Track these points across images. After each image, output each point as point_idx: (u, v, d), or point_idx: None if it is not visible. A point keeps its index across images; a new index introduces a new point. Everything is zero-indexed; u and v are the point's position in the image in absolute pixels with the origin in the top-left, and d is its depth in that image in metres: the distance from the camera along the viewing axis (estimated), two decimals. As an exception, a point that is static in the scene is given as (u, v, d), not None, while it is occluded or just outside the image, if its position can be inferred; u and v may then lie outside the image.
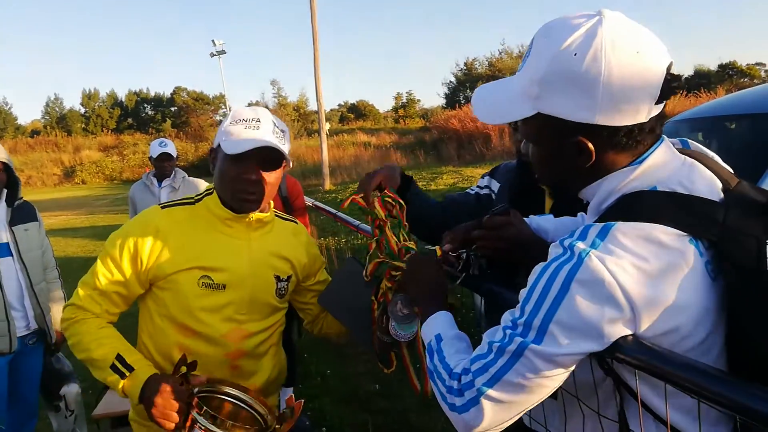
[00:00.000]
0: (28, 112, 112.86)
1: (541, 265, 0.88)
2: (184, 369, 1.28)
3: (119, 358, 1.35)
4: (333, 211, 4.35)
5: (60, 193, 26.72)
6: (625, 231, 0.82)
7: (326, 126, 17.70)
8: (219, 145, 1.44)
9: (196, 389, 1.27)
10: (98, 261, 1.46)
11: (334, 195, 14.14)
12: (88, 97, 47.33)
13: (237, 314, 1.47)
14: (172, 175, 4.08)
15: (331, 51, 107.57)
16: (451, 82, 37.66)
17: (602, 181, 0.91)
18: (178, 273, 1.42)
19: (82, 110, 47.35)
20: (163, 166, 4.02)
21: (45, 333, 2.74)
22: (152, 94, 49.16)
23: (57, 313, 2.81)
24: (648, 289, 0.79)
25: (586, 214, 1.15)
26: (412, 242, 1.36)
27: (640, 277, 0.79)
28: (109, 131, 42.33)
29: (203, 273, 1.43)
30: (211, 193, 1.51)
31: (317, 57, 16.34)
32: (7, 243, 2.60)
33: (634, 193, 0.87)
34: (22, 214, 2.71)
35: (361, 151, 23.94)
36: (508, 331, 0.88)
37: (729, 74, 31.80)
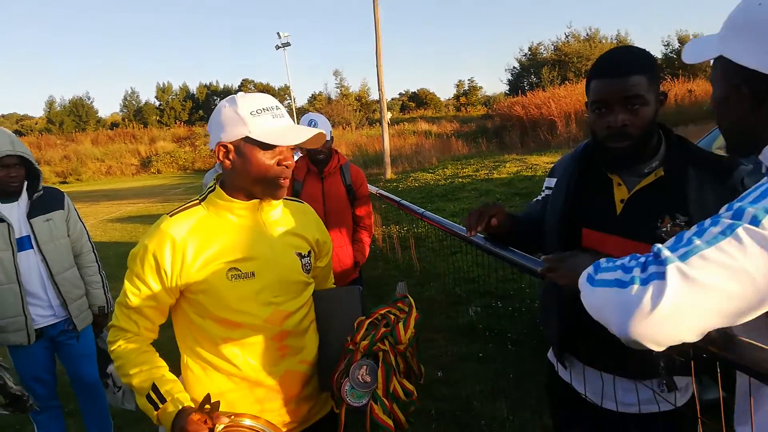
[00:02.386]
0: (107, 106, 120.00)
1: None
2: (208, 407, 1.31)
3: (154, 388, 1.40)
4: (397, 199, 4.38)
5: (137, 182, 28.26)
6: None
7: (387, 115, 17.73)
8: (244, 138, 1.41)
9: (220, 426, 1.30)
10: (125, 281, 1.48)
11: (395, 184, 14.18)
12: (162, 91, 49.59)
13: (273, 297, 1.49)
14: None
15: (393, 40, 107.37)
16: (514, 68, 36.58)
17: None
18: (206, 274, 1.44)
19: (157, 103, 49.71)
20: None
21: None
22: (221, 86, 50.90)
23: (95, 296, 2.96)
24: None
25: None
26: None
27: None
28: (182, 123, 44.23)
29: (230, 266, 1.45)
30: (213, 190, 1.51)
31: (379, 46, 16.37)
32: (28, 236, 2.68)
33: None
34: (44, 204, 2.75)
35: (422, 140, 23.84)
36: (709, 221, 0.80)
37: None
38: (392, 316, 1.35)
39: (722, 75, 0.97)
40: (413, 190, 12.67)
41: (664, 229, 1.32)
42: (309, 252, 1.61)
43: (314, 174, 3.32)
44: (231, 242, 1.47)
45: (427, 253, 6.49)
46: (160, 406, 1.38)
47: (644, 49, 1.40)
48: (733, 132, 1.01)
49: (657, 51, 30.96)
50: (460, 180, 12.54)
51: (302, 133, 1.43)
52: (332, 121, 34.15)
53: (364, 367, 1.28)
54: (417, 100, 48.65)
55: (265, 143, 1.39)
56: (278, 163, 1.43)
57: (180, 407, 1.36)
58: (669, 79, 21.23)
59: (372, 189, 4.86)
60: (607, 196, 1.45)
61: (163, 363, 1.50)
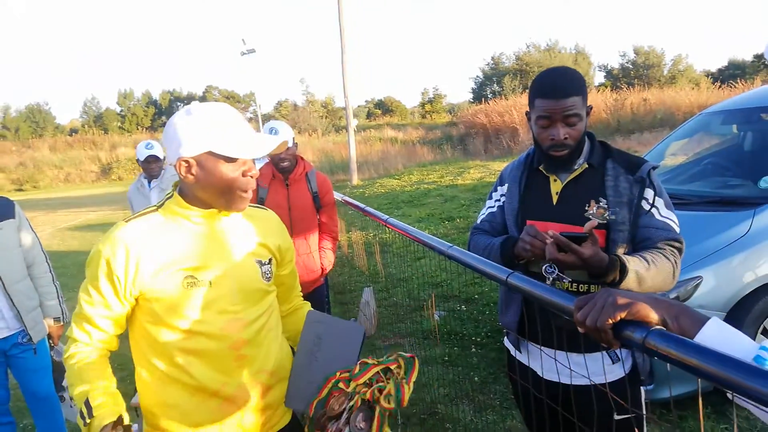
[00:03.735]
0: (67, 113, 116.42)
1: None
2: (120, 427, 1.30)
3: (86, 402, 1.36)
4: (361, 206, 4.40)
5: (98, 189, 27.50)
6: None
7: (354, 122, 17.76)
8: (207, 152, 1.37)
9: None
10: (80, 292, 1.45)
11: (361, 190, 14.20)
12: (124, 97, 48.47)
13: (230, 305, 1.46)
14: (160, 176, 4.12)
15: (359, 48, 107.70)
16: (477, 77, 37.31)
17: None
18: (161, 282, 1.40)
19: (118, 109, 48.54)
20: (150, 168, 4.06)
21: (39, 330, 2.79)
22: (185, 93, 50.09)
23: (49, 307, 2.87)
24: None
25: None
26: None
27: None
28: (144, 129, 43.32)
29: (186, 274, 1.41)
30: (171, 197, 1.48)
31: (344, 54, 16.41)
32: None
33: None
34: None
35: (388, 147, 23.94)
36: None
37: (765, 64, 30.64)
38: (395, 372, 1.42)
39: None
40: (379, 196, 12.71)
41: (591, 211, 1.60)
42: (270, 260, 1.58)
43: (279, 181, 3.31)
44: (187, 249, 1.43)
45: (393, 258, 6.53)
46: (87, 421, 1.34)
47: (577, 71, 1.66)
48: None
49: (615, 62, 31.81)
50: (426, 186, 12.66)
51: (266, 144, 1.42)
52: (298, 127, 33.76)
53: (362, 413, 1.35)
54: (383, 108, 48.87)
55: (229, 156, 1.37)
56: (243, 174, 1.41)
57: (103, 424, 1.31)
58: (626, 88, 21.83)
59: (337, 196, 4.86)
60: (546, 190, 1.73)
61: (109, 375, 1.45)
